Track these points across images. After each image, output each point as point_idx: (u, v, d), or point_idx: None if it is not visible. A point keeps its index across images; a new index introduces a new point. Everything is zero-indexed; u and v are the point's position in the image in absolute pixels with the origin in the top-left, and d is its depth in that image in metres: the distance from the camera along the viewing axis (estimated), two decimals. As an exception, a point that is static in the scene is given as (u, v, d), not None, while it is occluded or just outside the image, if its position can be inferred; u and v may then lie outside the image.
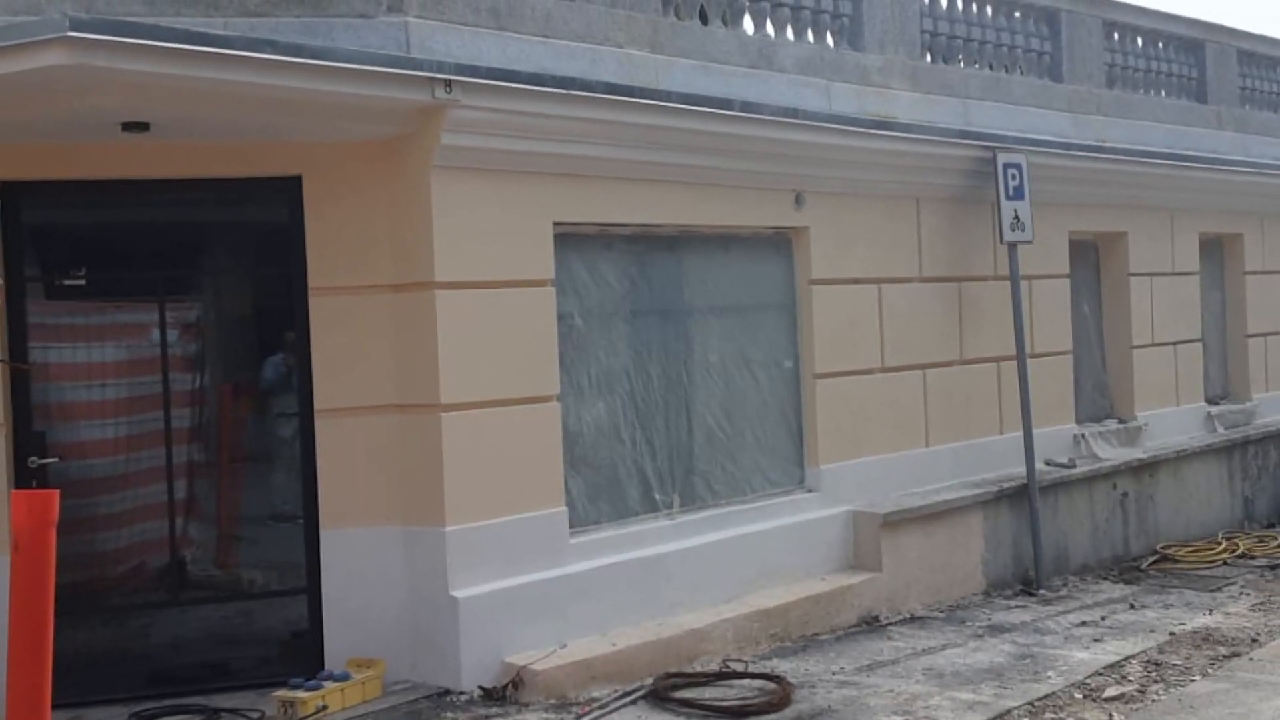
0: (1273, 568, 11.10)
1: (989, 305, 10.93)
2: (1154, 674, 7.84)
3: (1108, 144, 12.65)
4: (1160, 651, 8.35)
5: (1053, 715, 7.09)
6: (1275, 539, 12.26)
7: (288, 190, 7.65)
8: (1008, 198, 10.48)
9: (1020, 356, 10.68)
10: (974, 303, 10.92)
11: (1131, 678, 7.78)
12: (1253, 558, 11.56)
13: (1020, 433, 10.62)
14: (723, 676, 7.86)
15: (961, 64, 12.02)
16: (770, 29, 10.37)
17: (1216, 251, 14.23)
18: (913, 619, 9.45)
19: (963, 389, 10.81)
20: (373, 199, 7.69)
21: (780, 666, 8.10)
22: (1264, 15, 52.37)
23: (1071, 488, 11.21)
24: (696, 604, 8.54)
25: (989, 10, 12.39)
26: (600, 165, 8.23)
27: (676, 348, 9.00)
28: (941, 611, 9.66)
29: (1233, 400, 14.20)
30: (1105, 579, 10.91)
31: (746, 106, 8.95)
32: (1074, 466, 11.37)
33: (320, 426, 7.67)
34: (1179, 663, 8.07)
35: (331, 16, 7.62)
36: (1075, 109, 12.91)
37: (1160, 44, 14.63)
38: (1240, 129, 15.28)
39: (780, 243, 9.65)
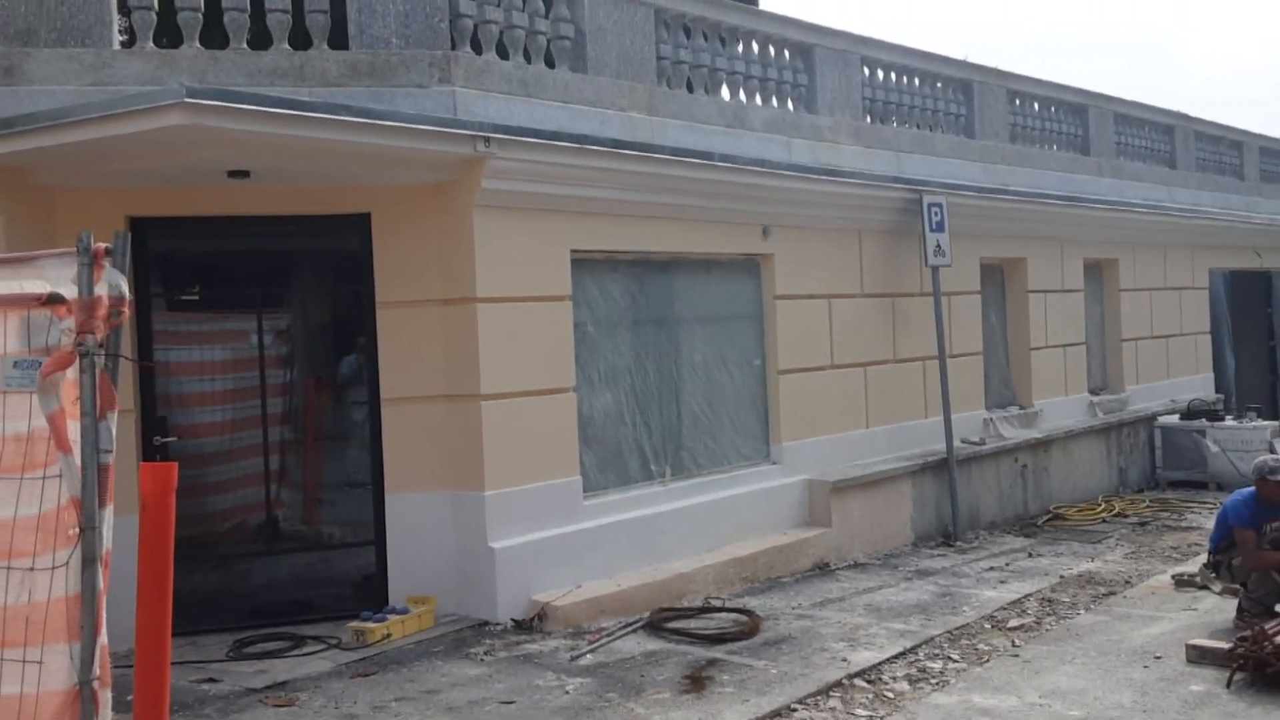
0: (1142, 524, 11.09)
1: (916, 316, 10.93)
2: (1048, 609, 7.84)
3: (1011, 187, 12.65)
4: (1053, 591, 8.35)
5: (967, 642, 7.10)
6: (1144, 501, 12.26)
7: (359, 224, 7.65)
8: (931, 230, 10.48)
9: (941, 356, 10.67)
10: (904, 314, 10.91)
11: (1030, 611, 7.78)
12: (1126, 516, 11.54)
13: (941, 417, 10.62)
14: (705, 611, 7.86)
15: (895, 123, 12.04)
16: (743, 96, 10.41)
17: (1097, 273, 14.22)
18: (856, 565, 9.45)
19: (895, 382, 10.80)
20: (426, 231, 7.69)
21: (750, 603, 8.10)
22: (1135, 84, 52.38)
23: (982, 461, 11.20)
24: (684, 553, 8.54)
25: (916, 81, 12.41)
26: (608, 204, 8.23)
27: (668, 350, 8.99)
28: (879, 559, 9.66)
29: (1110, 391, 14.19)
30: (1009, 533, 10.90)
31: (724, 158, 8.95)
32: (984, 444, 11.36)
33: (385, 412, 7.68)
34: (1067, 600, 8.08)
35: (394, 87, 7.66)
36: (985, 160, 12.92)
37: (1052, 108, 14.64)
38: (1116, 176, 15.28)
39: (751, 266, 9.64)
